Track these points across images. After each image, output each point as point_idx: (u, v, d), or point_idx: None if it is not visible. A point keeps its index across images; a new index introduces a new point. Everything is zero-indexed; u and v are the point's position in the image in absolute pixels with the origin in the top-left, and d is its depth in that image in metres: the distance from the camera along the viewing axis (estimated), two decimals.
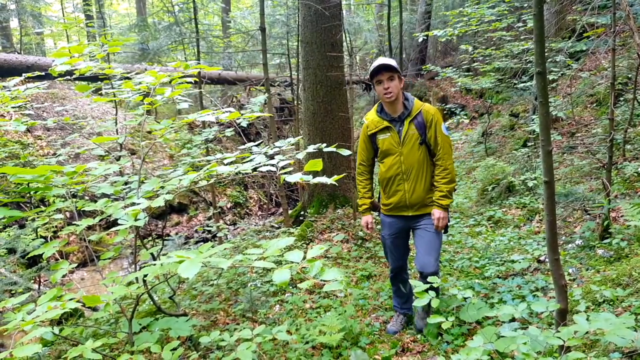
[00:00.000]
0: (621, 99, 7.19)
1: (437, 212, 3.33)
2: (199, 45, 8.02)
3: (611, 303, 3.34)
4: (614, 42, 4.36)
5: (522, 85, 9.08)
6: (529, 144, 8.05)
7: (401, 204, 3.44)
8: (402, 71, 9.99)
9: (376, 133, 3.42)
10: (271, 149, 2.64)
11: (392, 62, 3.26)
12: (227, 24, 15.71)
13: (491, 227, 5.99)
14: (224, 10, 16.47)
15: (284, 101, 14.43)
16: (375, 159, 3.60)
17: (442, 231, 3.43)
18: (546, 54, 6.84)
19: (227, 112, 2.58)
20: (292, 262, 1.53)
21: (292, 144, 2.78)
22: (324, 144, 2.49)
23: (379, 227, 3.80)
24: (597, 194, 5.29)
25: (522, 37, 8.28)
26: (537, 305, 2.32)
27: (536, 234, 5.34)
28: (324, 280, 1.50)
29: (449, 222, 3.45)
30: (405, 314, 3.75)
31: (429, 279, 2.59)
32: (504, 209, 6.39)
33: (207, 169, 2.29)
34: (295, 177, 2.06)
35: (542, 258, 4.52)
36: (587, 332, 1.98)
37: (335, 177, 2.03)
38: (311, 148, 2.50)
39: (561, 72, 7.23)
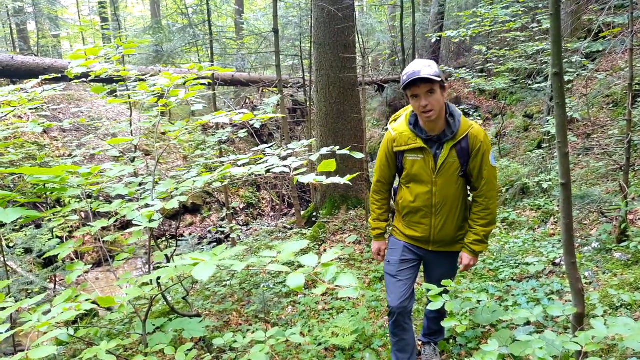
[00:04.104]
0: (639, 99, 7.09)
1: (466, 259, 2.80)
2: (213, 47, 8.06)
3: (629, 307, 3.29)
4: (632, 42, 4.30)
5: (536, 86, 9.01)
6: (544, 145, 7.97)
7: (422, 239, 2.86)
8: None
9: (405, 152, 2.72)
10: (284, 151, 2.63)
11: (430, 71, 2.46)
12: (240, 25, 15.77)
13: (505, 229, 5.93)
14: (237, 12, 16.54)
15: (296, 102, 14.46)
16: (398, 177, 2.91)
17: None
18: (562, 55, 6.78)
19: (240, 113, 2.58)
20: (307, 266, 1.52)
21: (305, 146, 2.77)
22: (337, 147, 2.46)
23: None
24: (614, 196, 5.22)
25: (536, 38, 8.21)
26: (554, 309, 2.28)
27: (551, 236, 5.28)
28: (338, 286, 1.47)
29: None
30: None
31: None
32: (518, 211, 6.33)
33: (221, 170, 2.29)
34: (309, 178, 2.05)
35: (557, 261, 4.47)
36: (604, 337, 1.94)
37: (349, 176, 2.01)
38: (324, 150, 2.48)
39: (577, 73, 7.15)
